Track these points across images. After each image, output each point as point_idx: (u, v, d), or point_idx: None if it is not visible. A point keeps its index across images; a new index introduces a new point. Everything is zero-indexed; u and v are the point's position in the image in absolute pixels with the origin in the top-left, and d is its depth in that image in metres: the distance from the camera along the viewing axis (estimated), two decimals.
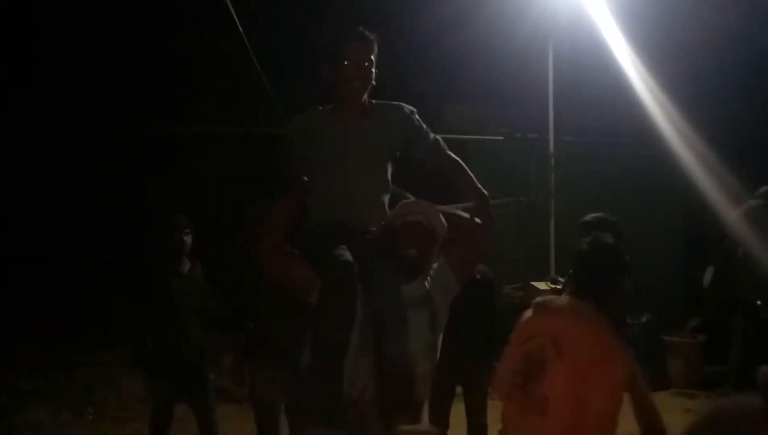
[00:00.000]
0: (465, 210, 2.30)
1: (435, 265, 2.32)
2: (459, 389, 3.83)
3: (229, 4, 4.72)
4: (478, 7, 6.29)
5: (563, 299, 2.21)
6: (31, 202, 8.80)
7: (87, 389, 5.95)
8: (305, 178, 2.28)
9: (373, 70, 2.26)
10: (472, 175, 2.32)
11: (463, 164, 2.34)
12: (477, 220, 2.23)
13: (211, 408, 3.93)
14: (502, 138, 6.66)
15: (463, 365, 3.45)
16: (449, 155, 2.34)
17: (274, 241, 2.25)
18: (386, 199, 2.33)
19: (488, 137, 6.72)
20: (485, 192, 2.28)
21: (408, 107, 2.35)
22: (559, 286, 2.69)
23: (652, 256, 7.21)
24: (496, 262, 3.77)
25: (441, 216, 2.28)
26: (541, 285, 5.09)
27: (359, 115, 2.30)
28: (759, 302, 5.53)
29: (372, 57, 2.24)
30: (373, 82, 2.28)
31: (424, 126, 2.34)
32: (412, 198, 2.47)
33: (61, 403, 5.64)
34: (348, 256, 2.08)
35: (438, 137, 2.36)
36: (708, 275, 6.03)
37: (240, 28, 4.98)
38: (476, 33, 6.55)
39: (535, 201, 6.23)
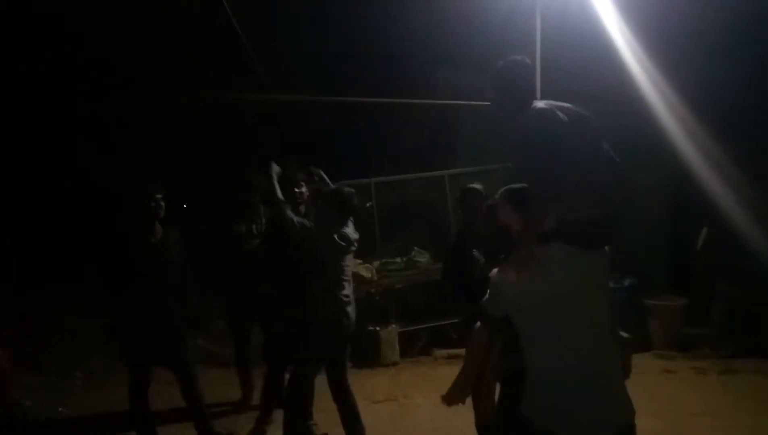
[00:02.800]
0: None
1: None
2: None
3: None
4: None
5: None
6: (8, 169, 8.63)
7: (76, 354, 5.97)
8: None
9: None
10: None
11: None
12: None
13: (191, 371, 3.97)
14: (489, 103, 6.61)
15: None
16: None
17: None
18: None
19: (476, 102, 6.67)
20: None
21: None
22: None
23: (637, 221, 7.29)
24: None
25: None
26: None
27: None
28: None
29: None
30: None
31: None
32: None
33: (49, 368, 5.66)
34: None
35: None
36: (703, 236, 6.13)
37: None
38: None
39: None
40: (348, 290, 3.86)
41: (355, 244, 3.92)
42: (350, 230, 3.91)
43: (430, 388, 5.24)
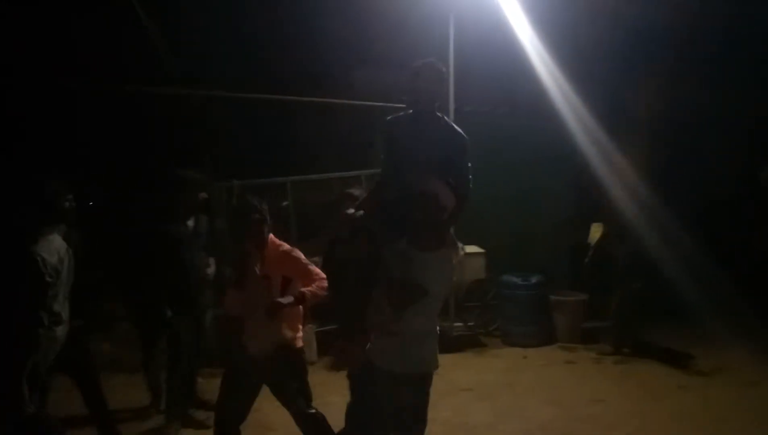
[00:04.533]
0: None
1: None
2: None
3: None
4: None
5: None
6: None
7: None
8: None
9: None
10: None
11: None
12: None
13: (94, 377, 3.81)
14: (404, 105, 6.72)
15: None
16: None
17: None
18: None
19: (391, 104, 6.77)
20: None
21: None
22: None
23: (543, 223, 7.71)
24: None
25: None
26: None
27: None
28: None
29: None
30: None
31: None
32: None
33: None
34: None
35: None
36: (595, 233, 6.49)
37: None
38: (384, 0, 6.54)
39: None
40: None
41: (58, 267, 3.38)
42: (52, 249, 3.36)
43: (345, 386, 5.26)
